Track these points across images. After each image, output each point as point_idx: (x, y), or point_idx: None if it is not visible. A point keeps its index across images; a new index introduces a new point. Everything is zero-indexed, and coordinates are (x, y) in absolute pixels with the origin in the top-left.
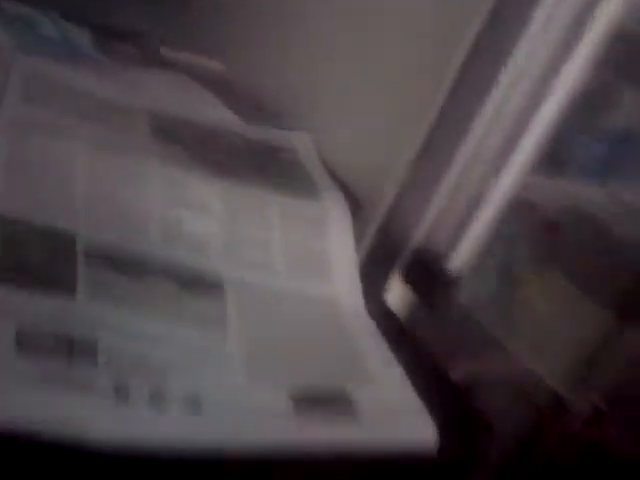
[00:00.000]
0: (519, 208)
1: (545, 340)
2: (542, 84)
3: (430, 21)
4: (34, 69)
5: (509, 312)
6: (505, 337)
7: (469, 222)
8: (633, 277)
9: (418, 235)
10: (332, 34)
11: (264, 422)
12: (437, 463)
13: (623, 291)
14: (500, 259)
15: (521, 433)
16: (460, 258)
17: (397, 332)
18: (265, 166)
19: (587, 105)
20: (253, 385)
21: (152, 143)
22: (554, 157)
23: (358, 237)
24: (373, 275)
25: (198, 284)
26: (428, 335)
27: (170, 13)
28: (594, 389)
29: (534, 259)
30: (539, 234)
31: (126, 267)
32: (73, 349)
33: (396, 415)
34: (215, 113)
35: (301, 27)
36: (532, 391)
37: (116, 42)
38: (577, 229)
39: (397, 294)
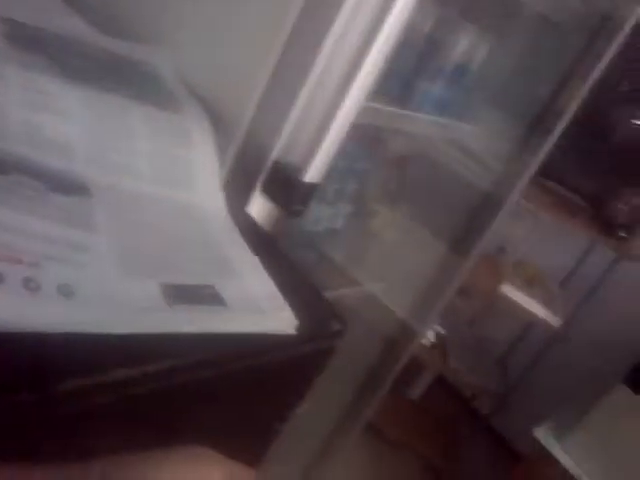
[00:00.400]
0: (371, 143)
1: (392, 272)
2: (377, 19)
3: None
4: None
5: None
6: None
7: (321, 139)
8: (464, 213)
9: (277, 150)
10: None
11: (137, 313)
12: (297, 350)
13: (455, 226)
14: (354, 192)
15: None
16: (314, 171)
17: (260, 239)
18: (126, 77)
19: (426, 44)
20: (126, 279)
21: (9, 49)
22: (398, 95)
23: (220, 152)
24: (236, 188)
25: (64, 185)
26: (286, 242)
27: None
28: (434, 316)
29: (385, 193)
30: (389, 169)
31: None
32: None
33: (261, 307)
34: (72, 24)
35: None
36: (384, 323)
37: None
38: (419, 165)
39: (259, 205)
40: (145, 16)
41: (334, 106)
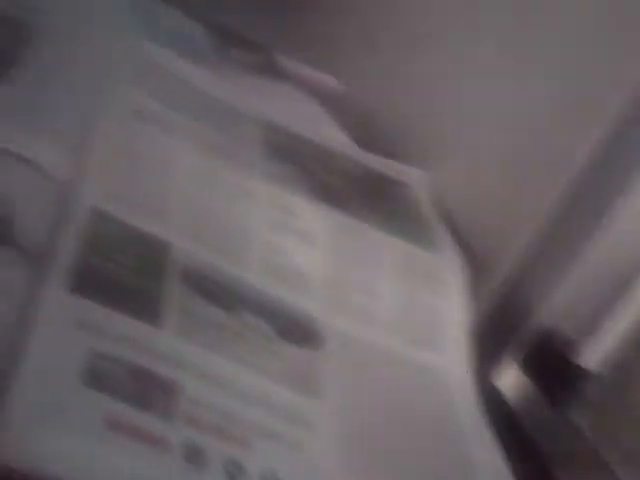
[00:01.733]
0: None
1: None
2: None
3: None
4: (152, 57)
5: None
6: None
7: (612, 309)
8: None
9: (543, 313)
10: (467, 61)
11: None
12: None
13: None
14: None
15: None
16: (591, 355)
17: (508, 425)
18: (378, 199)
19: None
20: (342, 476)
21: (262, 157)
22: None
23: (470, 304)
24: (483, 350)
25: (295, 330)
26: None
27: (290, 24)
28: None
29: None
30: None
31: (221, 296)
32: (149, 390)
33: None
34: (330, 133)
35: (430, 59)
36: None
37: (232, 46)
38: None
39: (510, 378)
40: (405, 130)
41: (634, 270)
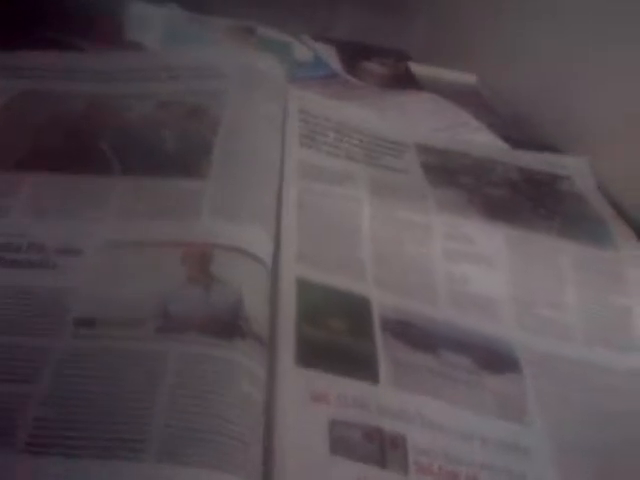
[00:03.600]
0: None
1: None
2: None
3: None
4: (306, 104)
5: None
6: None
7: None
8: None
9: None
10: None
11: None
12: None
13: None
14: None
15: None
16: None
17: None
18: (545, 202)
19: None
20: None
21: (426, 185)
22: None
23: None
24: None
25: (494, 358)
26: None
27: (417, 27)
28: None
29: None
30: None
31: (421, 339)
32: (383, 447)
33: None
34: (480, 138)
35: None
36: None
37: (363, 60)
38: None
39: None
40: (557, 120)
41: None
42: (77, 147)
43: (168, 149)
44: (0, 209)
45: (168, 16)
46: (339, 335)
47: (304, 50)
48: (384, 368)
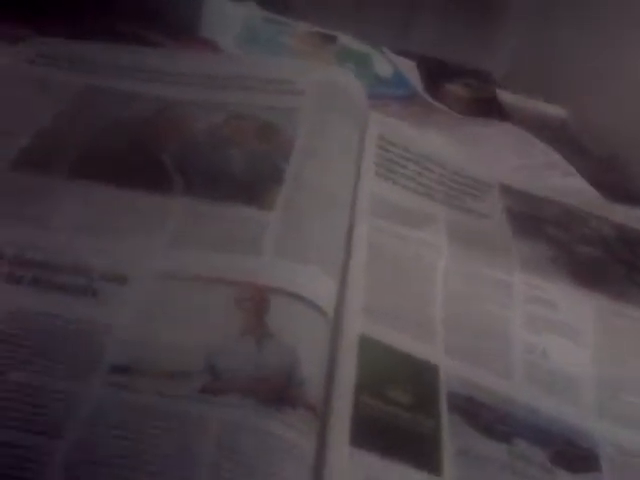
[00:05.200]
0: None
1: None
2: None
3: None
4: (386, 130)
5: None
6: None
7: None
8: None
9: None
10: None
11: None
12: None
13: None
14: None
15: None
16: None
17: None
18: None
19: None
20: None
21: (509, 236)
22: None
23: None
24: None
25: (571, 452)
26: None
27: (505, 46)
28: None
29: None
30: None
31: (491, 423)
32: None
33: None
34: (571, 185)
35: None
36: None
37: (445, 80)
38: None
39: None
40: None
41: None
42: (138, 157)
43: (235, 171)
44: (44, 220)
45: (245, 15)
46: (402, 410)
47: (385, 63)
48: (449, 459)
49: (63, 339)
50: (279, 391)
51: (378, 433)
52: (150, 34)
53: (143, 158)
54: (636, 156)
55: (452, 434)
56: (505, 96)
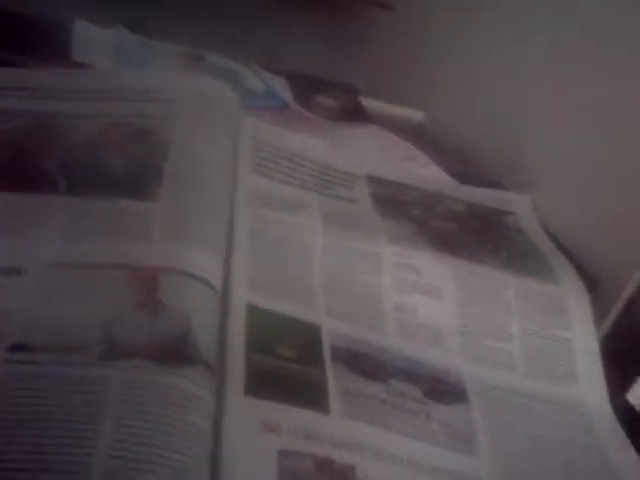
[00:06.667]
0: None
1: None
2: None
3: None
4: (259, 132)
5: None
6: None
7: None
8: None
9: None
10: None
11: None
12: None
13: None
14: None
15: None
16: None
17: None
18: (491, 236)
19: None
20: None
21: (377, 216)
22: None
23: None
24: (612, 369)
25: (441, 388)
26: None
27: (366, 60)
28: None
29: None
30: None
31: (370, 368)
32: (335, 479)
33: None
34: (428, 173)
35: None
36: None
37: (314, 93)
38: None
39: None
40: (497, 153)
41: None
42: (22, 165)
43: (116, 172)
44: None
45: (117, 38)
46: (289, 363)
47: (255, 79)
48: (335, 398)
49: None
50: (177, 352)
51: (270, 384)
52: (23, 59)
53: (27, 167)
54: (481, 149)
55: (336, 379)
56: (369, 103)
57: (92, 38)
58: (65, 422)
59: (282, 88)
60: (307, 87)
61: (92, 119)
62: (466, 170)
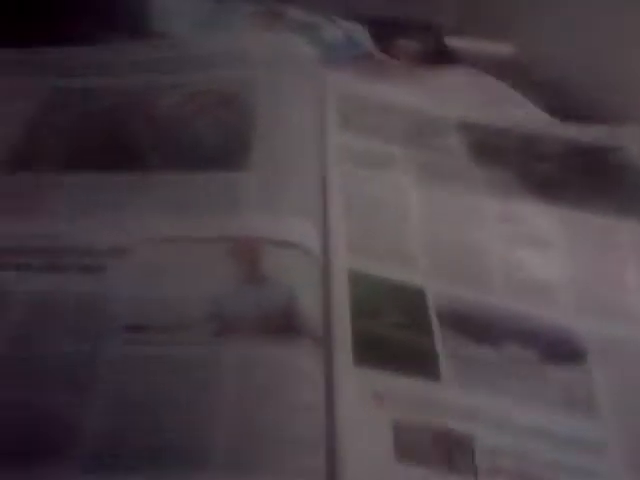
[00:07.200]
0: None
1: None
2: None
3: None
4: (344, 87)
5: None
6: None
7: None
8: None
9: None
10: None
11: None
12: None
13: None
14: None
15: None
16: None
17: None
18: (598, 176)
19: None
20: None
21: (473, 165)
22: None
23: None
24: None
25: (557, 349)
26: None
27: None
28: None
29: None
30: None
31: (480, 331)
32: (451, 451)
33: None
34: (523, 113)
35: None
36: None
37: (397, 37)
38: None
39: None
40: (597, 83)
41: None
42: (112, 144)
43: (205, 141)
44: (41, 211)
45: (194, 5)
46: (396, 329)
47: (335, 31)
48: (445, 364)
49: (79, 311)
50: (284, 325)
51: (378, 351)
52: (102, 33)
53: (117, 144)
54: (579, 81)
55: (445, 345)
56: (454, 41)
57: (169, 6)
58: (182, 402)
59: (362, 36)
60: (387, 31)
61: (176, 89)
62: (565, 105)
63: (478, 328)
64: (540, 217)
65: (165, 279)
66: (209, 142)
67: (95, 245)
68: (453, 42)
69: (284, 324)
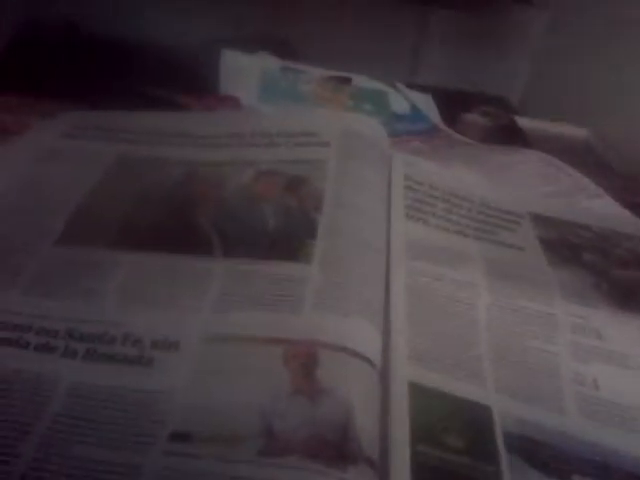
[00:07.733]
0: None
1: None
2: None
3: None
4: (411, 170)
5: None
6: None
7: None
8: None
9: None
10: None
11: None
12: None
13: None
14: None
15: None
16: None
17: None
18: None
19: None
20: None
21: (547, 266)
22: None
23: None
24: None
25: None
26: None
27: (519, 71)
28: None
29: None
30: None
31: (549, 461)
32: None
33: None
34: (600, 206)
35: None
36: None
37: (463, 110)
38: None
39: None
40: None
41: None
42: (175, 222)
43: (269, 227)
44: (93, 293)
45: (262, 67)
46: (458, 456)
47: (401, 100)
48: None
49: (122, 411)
50: (338, 448)
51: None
52: (170, 94)
53: (181, 223)
54: None
55: (512, 475)
56: (524, 122)
57: (240, 67)
58: None
59: (429, 107)
60: (454, 104)
61: (244, 167)
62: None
63: (548, 457)
64: (618, 328)
65: (215, 381)
66: (273, 227)
67: (144, 335)
68: (522, 121)
69: (338, 447)
